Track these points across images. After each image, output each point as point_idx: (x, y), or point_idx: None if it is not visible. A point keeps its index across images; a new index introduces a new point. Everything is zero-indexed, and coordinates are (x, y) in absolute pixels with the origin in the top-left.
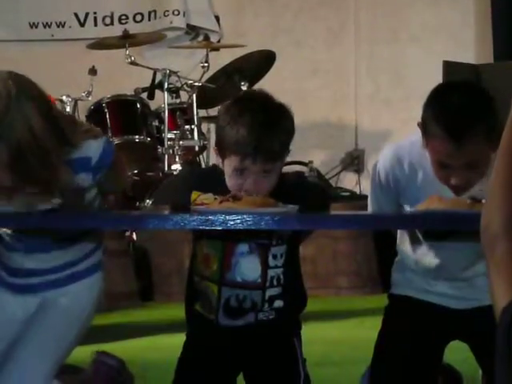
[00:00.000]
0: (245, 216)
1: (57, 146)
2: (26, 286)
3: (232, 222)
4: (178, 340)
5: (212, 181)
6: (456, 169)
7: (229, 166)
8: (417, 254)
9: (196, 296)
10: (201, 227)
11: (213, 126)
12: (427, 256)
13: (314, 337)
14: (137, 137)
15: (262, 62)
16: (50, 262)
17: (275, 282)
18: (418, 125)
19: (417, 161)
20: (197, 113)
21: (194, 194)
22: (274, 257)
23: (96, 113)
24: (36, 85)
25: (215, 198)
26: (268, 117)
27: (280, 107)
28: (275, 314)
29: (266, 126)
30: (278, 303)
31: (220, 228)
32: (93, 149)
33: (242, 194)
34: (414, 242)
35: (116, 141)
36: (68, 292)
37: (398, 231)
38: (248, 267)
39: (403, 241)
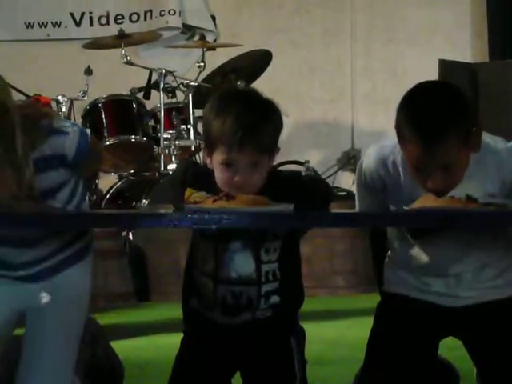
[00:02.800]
0: (239, 215)
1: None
2: (26, 276)
3: (226, 221)
4: (174, 340)
5: (206, 179)
6: (430, 172)
7: (216, 159)
8: (405, 251)
9: (193, 290)
10: (194, 226)
11: None
12: (415, 253)
13: (311, 336)
14: (133, 137)
15: (258, 61)
16: (44, 250)
17: (271, 277)
18: (395, 127)
19: (399, 162)
20: (193, 112)
21: (188, 192)
22: (267, 251)
23: (92, 113)
24: None
25: (207, 197)
26: (255, 109)
27: (267, 101)
28: (272, 311)
29: (254, 116)
30: (275, 299)
31: (214, 227)
32: (67, 145)
33: (234, 192)
34: (402, 239)
35: (112, 140)
36: (66, 277)
37: (388, 228)
38: (241, 263)
39: (393, 238)
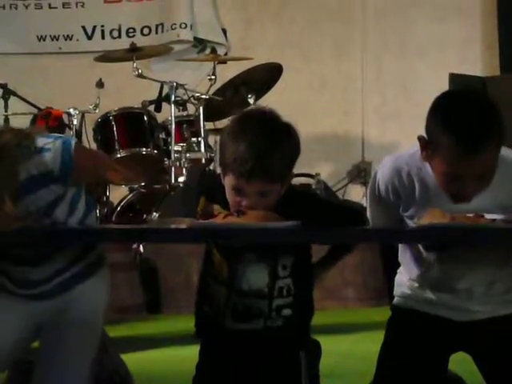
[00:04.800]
0: (249, 230)
1: None
2: (41, 293)
3: (236, 237)
4: (185, 353)
5: (220, 191)
6: (467, 179)
7: (227, 182)
8: (417, 266)
9: (206, 296)
10: (204, 241)
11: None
12: (427, 267)
13: (322, 349)
14: (144, 149)
15: (269, 74)
16: (55, 265)
17: (285, 293)
18: (419, 138)
19: (415, 173)
20: (204, 125)
21: (202, 202)
22: (284, 267)
23: (103, 125)
24: None
25: (219, 213)
26: (269, 137)
27: (283, 127)
28: (283, 320)
29: (265, 146)
30: (287, 312)
31: (224, 242)
32: (50, 162)
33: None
34: (415, 253)
35: (123, 153)
36: (80, 292)
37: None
38: (254, 275)
39: (404, 252)
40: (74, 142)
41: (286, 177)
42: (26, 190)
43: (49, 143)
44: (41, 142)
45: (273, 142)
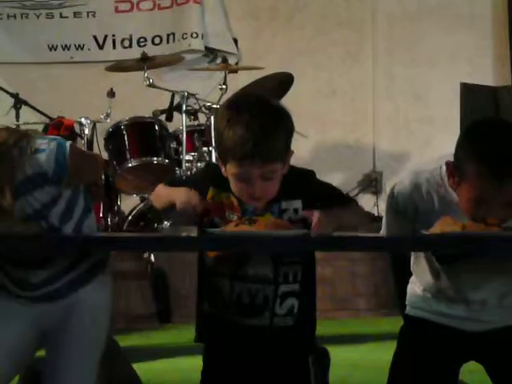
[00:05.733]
0: (260, 238)
1: None
2: (44, 296)
3: (248, 245)
4: (196, 362)
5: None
6: (494, 206)
7: (229, 171)
8: (430, 276)
9: (206, 295)
10: (217, 250)
11: None
12: (440, 278)
13: (333, 359)
14: (155, 158)
15: (280, 83)
16: (56, 268)
17: (291, 278)
18: (448, 164)
19: (434, 190)
20: (215, 135)
21: (211, 192)
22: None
23: (114, 135)
24: None
25: (230, 221)
26: (265, 116)
27: (277, 105)
28: (290, 318)
29: (262, 126)
30: (292, 302)
31: (236, 250)
32: (44, 163)
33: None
34: (428, 264)
35: (134, 162)
36: (83, 295)
37: (412, 253)
38: (259, 260)
39: (417, 262)
40: (68, 143)
41: (286, 155)
42: (22, 190)
43: (44, 143)
44: (36, 143)
45: (269, 121)
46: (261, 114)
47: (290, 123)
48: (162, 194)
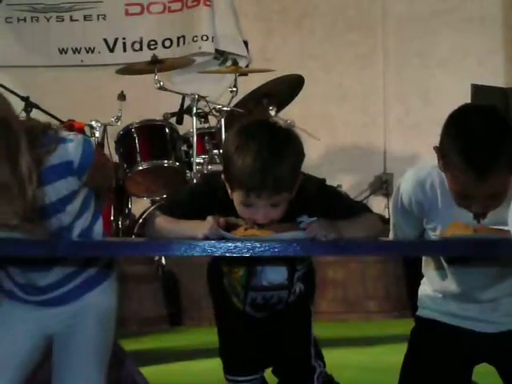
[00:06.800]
0: (272, 243)
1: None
2: (50, 300)
3: (259, 249)
4: (207, 365)
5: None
6: (477, 198)
7: (236, 197)
8: (441, 277)
9: (224, 276)
10: (228, 254)
11: None
12: (451, 279)
13: (345, 362)
14: (166, 161)
15: (291, 86)
16: (64, 271)
17: (301, 274)
18: (435, 149)
19: (437, 184)
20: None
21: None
22: (301, 261)
23: (125, 138)
24: None
25: (240, 225)
26: (274, 147)
27: (287, 134)
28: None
29: (272, 157)
30: (300, 286)
31: (248, 255)
32: (71, 151)
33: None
34: (438, 265)
35: (145, 165)
36: (90, 300)
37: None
38: (274, 272)
39: (428, 264)
40: (93, 141)
41: (295, 184)
42: (45, 179)
43: (71, 134)
44: (64, 134)
45: (278, 152)
46: (270, 144)
47: (299, 151)
48: (170, 231)
